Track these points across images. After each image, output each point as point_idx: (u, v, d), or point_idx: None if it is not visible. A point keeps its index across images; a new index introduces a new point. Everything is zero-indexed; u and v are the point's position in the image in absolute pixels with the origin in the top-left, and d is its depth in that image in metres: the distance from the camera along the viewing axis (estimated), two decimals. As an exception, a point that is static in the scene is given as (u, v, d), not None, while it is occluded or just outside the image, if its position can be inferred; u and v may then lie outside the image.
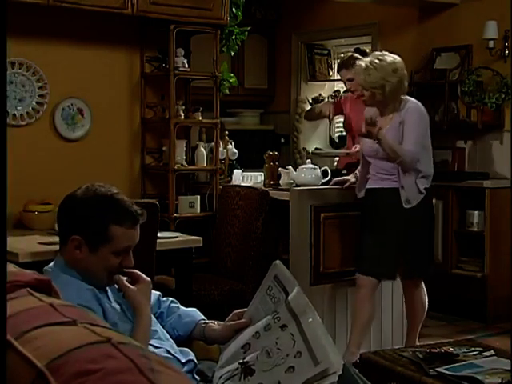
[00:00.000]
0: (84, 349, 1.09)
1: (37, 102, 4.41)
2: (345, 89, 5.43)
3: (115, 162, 4.71)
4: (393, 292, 4.59)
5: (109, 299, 2.18)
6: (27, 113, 4.38)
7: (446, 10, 6.13)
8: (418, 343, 4.17)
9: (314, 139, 7.43)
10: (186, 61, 4.69)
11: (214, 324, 2.34)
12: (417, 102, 4.08)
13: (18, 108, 4.35)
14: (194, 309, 2.45)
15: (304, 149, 7.32)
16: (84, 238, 2.13)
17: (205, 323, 2.35)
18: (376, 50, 6.47)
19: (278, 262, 2.22)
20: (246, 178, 4.86)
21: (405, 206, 3.93)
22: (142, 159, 4.84)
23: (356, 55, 4.80)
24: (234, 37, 4.78)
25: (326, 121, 7.45)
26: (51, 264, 2.24)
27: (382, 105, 3.99)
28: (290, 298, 2.12)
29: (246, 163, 5.61)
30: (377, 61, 3.95)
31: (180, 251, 3.91)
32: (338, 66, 5.04)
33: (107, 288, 2.21)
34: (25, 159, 4.36)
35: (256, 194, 4.33)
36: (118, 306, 2.20)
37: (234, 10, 4.81)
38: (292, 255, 4.23)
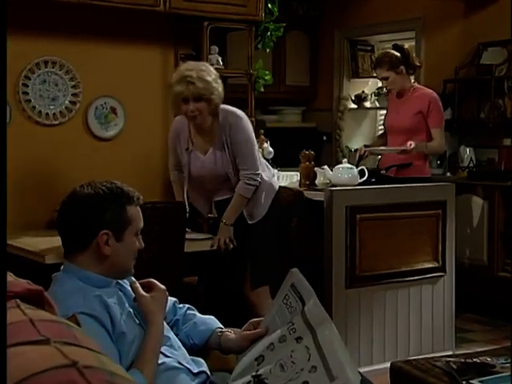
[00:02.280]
0: (47, 374, 1.02)
1: (70, 101, 4.38)
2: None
3: (149, 161, 4.66)
4: (433, 296, 4.44)
5: (121, 302, 2.10)
6: (60, 112, 4.35)
7: (492, 3, 5.91)
8: None
9: (357, 137, 7.28)
10: (220, 58, 4.61)
11: (231, 333, 2.25)
12: (232, 110, 3.84)
13: (51, 107, 4.33)
14: (211, 316, 2.37)
15: (346, 147, 7.19)
16: (110, 229, 2.10)
17: (221, 332, 2.26)
18: (420, 46, 6.34)
19: (295, 269, 2.13)
20: (282, 178, 4.75)
21: None
22: (176, 158, 4.76)
23: (392, 52, 4.67)
24: (269, 33, 4.67)
25: (370, 117, 7.34)
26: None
27: (208, 118, 3.77)
28: (306, 308, 2.02)
29: (284, 162, 5.50)
30: (203, 67, 3.74)
31: (210, 253, 3.83)
32: (373, 65, 4.91)
33: (120, 290, 2.14)
34: (57, 158, 4.34)
35: (290, 194, 4.21)
36: (130, 310, 2.11)
37: (269, 5, 4.70)
38: (327, 257, 4.11)
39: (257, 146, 3.91)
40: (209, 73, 3.70)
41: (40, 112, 4.29)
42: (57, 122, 4.35)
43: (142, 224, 2.19)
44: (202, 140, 3.85)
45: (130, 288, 2.16)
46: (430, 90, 4.79)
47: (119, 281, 2.18)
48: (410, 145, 4.49)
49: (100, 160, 4.47)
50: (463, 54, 6.06)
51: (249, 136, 3.82)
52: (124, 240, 2.13)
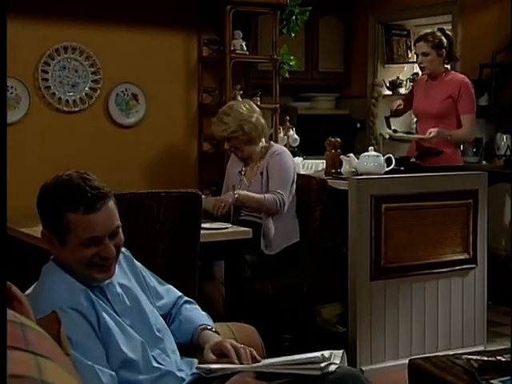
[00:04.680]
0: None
1: (90, 88, 4.32)
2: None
3: (171, 148, 4.58)
4: (463, 289, 4.28)
5: (108, 301, 2.00)
6: (80, 98, 4.29)
7: (531, -15, 5.67)
8: None
9: (392, 125, 7.08)
10: (244, 43, 4.49)
11: (212, 335, 2.13)
12: (283, 148, 4.14)
13: (71, 94, 4.27)
14: (202, 313, 2.26)
15: (380, 134, 7.02)
16: (50, 231, 1.96)
17: (202, 330, 2.14)
18: (456, 30, 6.14)
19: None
20: (307, 166, 4.63)
21: None
22: (199, 146, 4.68)
23: (440, 34, 4.55)
24: (294, 17, 4.53)
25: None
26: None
27: (248, 149, 4.03)
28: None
29: (315, 150, 5.37)
30: (227, 109, 4.02)
31: (230, 243, 3.73)
32: (417, 38, 4.74)
33: (105, 289, 2.02)
34: (78, 145, 4.29)
35: (313, 183, 4.09)
36: (119, 308, 2.01)
37: (295, -12, 4.56)
38: (351, 248, 3.99)
39: (291, 184, 4.04)
40: (233, 112, 3.97)
41: (60, 99, 4.24)
42: (77, 109, 4.29)
43: (90, 234, 1.92)
44: (250, 168, 4.12)
45: (118, 289, 2.05)
46: (462, 76, 4.66)
47: (101, 283, 2.02)
48: (430, 133, 4.37)
49: (120, 147, 4.41)
50: (500, 38, 5.84)
51: (288, 170, 4.02)
52: (67, 246, 1.94)
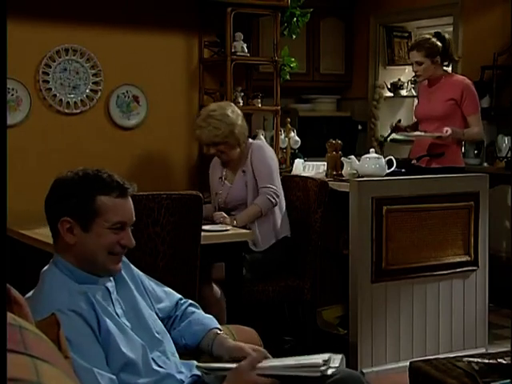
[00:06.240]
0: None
1: (91, 90, 4.31)
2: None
3: (172, 151, 4.58)
4: (464, 291, 4.27)
5: (111, 301, 2.00)
6: (81, 100, 4.29)
7: (533, -14, 5.67)
8: None
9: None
10: (245, 45, 4.49)
11: (227, 338, 2.13)
12: (260, 142, 4.15)
13: (72, 96, 4.27)
14: (210, 316, 2.26)
15: (382, 136, 7.01)
16: (74, 217, 1.96)
17: (216, 334, 2.15)
18: (458, 31, 6.14)
19: None
20: (308, 168, 4.62)
21: None
22: (199, 148, 4.67)
23: (434, 40, 4.53)
24: (295, 19, 4.53)
25: (407, 106, 7.14)
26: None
27: (233, 153, 3.99)
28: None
29: (316, 152, 5.37)
30: (213, 113, 3.92)
31: (231, 245, 3.72)
32: (410, 46, 4.74)
33: (109, 289, 2.03)
34: (78, 148, 4.28)
35: (314, 184, 4.09)
36: (119, 311, 2.01)
37: (296, -9, 4.56)
38: (352, 250, 3.98)
39: (278, 174, 4.05)
40: (223, 117, 3.88)
41: (61, 100, 4.24)
42: (78, 111, 4.29)
43: (119, 218, 2.00)
44: (230, 171, 4.08)
45: (115, 294, 2.05)
46: (462, 77, 4.66)
47: (106, 283, 2.04)
48: (447, 131, 4.35)
49: (121, 149, 4.40)
50: (502, 40, 5.84)
51: (269, 160, 3.99)
52: (92, 231, 1.97)
